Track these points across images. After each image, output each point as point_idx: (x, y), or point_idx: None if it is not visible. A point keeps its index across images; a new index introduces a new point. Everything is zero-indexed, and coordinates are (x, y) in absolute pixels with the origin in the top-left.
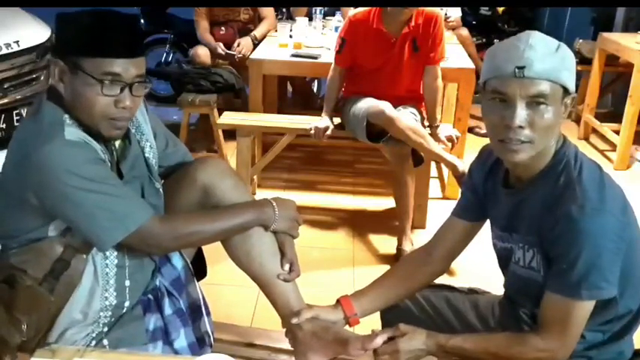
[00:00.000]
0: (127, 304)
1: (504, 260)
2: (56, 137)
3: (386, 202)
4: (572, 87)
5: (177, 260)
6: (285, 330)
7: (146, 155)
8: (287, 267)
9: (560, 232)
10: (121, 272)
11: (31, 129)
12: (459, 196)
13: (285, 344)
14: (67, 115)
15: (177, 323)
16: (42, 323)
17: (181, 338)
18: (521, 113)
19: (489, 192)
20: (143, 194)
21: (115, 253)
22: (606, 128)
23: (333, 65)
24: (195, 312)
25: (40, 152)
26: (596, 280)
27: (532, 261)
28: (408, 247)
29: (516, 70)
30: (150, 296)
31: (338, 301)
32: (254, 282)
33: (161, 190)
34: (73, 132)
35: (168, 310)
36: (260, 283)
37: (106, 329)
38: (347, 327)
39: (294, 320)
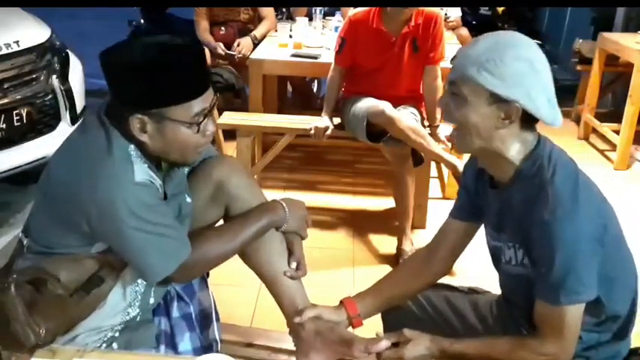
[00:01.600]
0: (140, 314)
1: (496, 258)
2: (127, 177)
3: (386, 202)
4: (502, 94)
5: None
6: (288, 329)
7: (185, 171)
8: (294, 265)
9: (536, 237)
10: (148, 290)
11: (100, 159)
12: (456, 196)
13: (286, 344)
14: (132, 146)
15: (184, 327)
16: (59, 331)
17: (185, 342)
18: (443, 99)
19: (480, 192)
20: (180, 209)
21: None
22: (606, 128)
23: (333, 65)
24: (205, 319)
25: (109, 190)
26: (574, 285)
27: (523, 259)
28: (408, 247)
29: (452, 58)
30: (160, 300)
31: (341, 302)
32: (260, 279)
33: (191, 203)
34: (141, 171)
35: (175, 313)
36: (266, 280)
37: (117, 334)
38: (350, 328)
39: (297, 319)
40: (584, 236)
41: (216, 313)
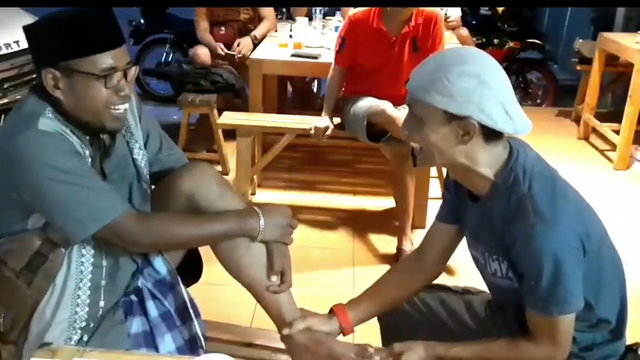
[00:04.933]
0: (102, 304)
1: (478, 266)
2: (29, 127)
3: (386, 202)
4: (455, 111)
5: (160, 264)
6: (280, 337)
7: (134, 156)
8: (275, 278)
9: (519, 251)
10: (97, 271)
11: (8, 122)
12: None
13: None
14: (49, 109)
15: (163, 328)
16: (19, 316)
17: (167, 343)
18: (405, 119)
19: (461, 197)
20: (131, 196)
21: (92, 251)
22: (606, 128)
23: (333, 65)
24: (183, 314)
25: (13, 143)
26: (563, 295)
27: (508, 272)
28: (408, 247)
29: (406, 80)
30: (133, 297)
31: (332, 310)
32: (247, 291)
33: (149, 192)
34: (48, 123)
35: (153, 312)
36: (251, 292)
37: (86, 337)
38: (340, 336)
39: (286, 331)
40: (568, 246)
41: (195, 308)
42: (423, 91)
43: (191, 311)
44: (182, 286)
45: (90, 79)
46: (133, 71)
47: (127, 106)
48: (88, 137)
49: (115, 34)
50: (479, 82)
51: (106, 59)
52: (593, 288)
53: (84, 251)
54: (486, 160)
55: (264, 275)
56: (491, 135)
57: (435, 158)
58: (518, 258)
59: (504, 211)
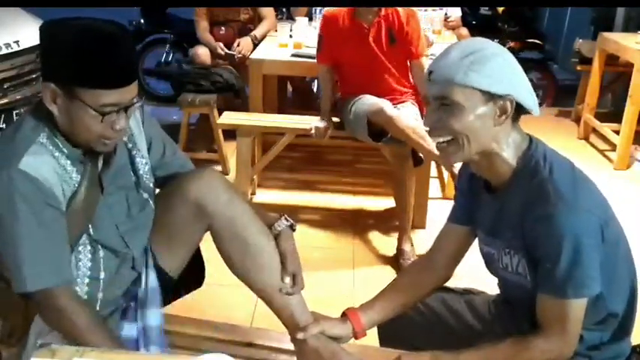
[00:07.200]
0: (100, 308)
1: (490, 264)
2: (11, 164)
3: (386, 202)
4: (495, 90)
5: (152, 277)
6: (290, 338)
7: (136, 165)
8: (288, 280)
9: (540, 234)
10: (95, 284)
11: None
12: (454, 201)
13: (285, 344)
14: (44, 133)
15: (148, 339)
16: (16, 324)
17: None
18: (431, 116)
19: (475, 195)
20: (128, 205)
21: (89, 264)
22: (606, 128)
23: (318, 65)
24: (148, 339)
25: None
26: (581, 277)
27: (518, 266)
28: (407, 247)
29: (428, 74)
30: (131, 304)
31: (345, 314)
32: (257, 295)
33: (150, 201)
34: (32, 161)
35: (125, 331)
36: (261, 295)
37: None
38: (352, 339)
39: (300, 336)
40: (588, 229)
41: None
42: (460, 74)
43: (156, 338)
44: (162, 311)
45: (88, 110)
46: (135, 107)
47: (120, 136)
48: (82, 152)
49: (127, 72)
50: (508, 63)
51: (110, 97)
52: (607, 279)
53: (80, 264)
54: (511, 146)
55: (275, 278)
56: (517, 116)
57: (470, 147)
58: (536, 241)
59: (525, 196)
